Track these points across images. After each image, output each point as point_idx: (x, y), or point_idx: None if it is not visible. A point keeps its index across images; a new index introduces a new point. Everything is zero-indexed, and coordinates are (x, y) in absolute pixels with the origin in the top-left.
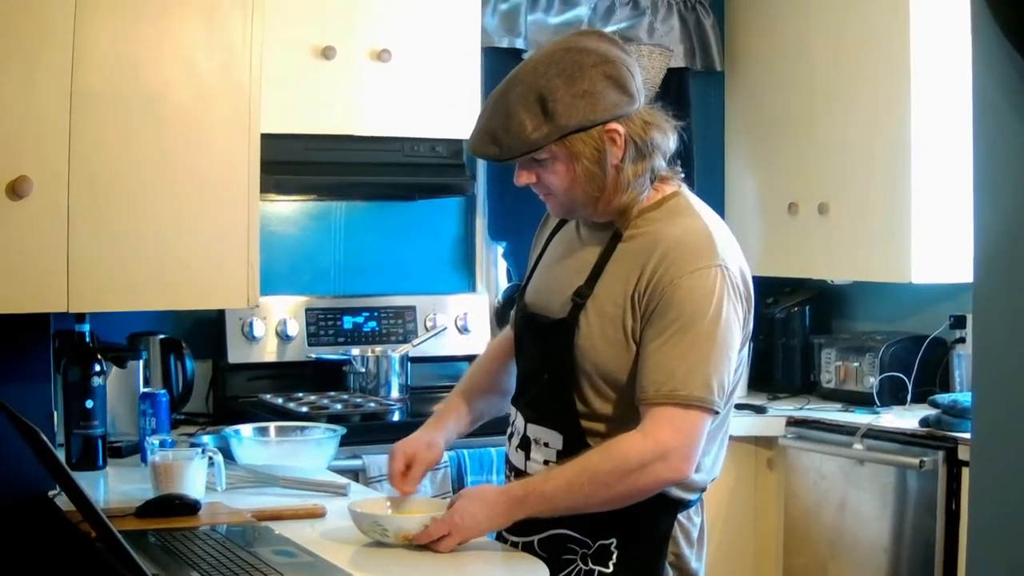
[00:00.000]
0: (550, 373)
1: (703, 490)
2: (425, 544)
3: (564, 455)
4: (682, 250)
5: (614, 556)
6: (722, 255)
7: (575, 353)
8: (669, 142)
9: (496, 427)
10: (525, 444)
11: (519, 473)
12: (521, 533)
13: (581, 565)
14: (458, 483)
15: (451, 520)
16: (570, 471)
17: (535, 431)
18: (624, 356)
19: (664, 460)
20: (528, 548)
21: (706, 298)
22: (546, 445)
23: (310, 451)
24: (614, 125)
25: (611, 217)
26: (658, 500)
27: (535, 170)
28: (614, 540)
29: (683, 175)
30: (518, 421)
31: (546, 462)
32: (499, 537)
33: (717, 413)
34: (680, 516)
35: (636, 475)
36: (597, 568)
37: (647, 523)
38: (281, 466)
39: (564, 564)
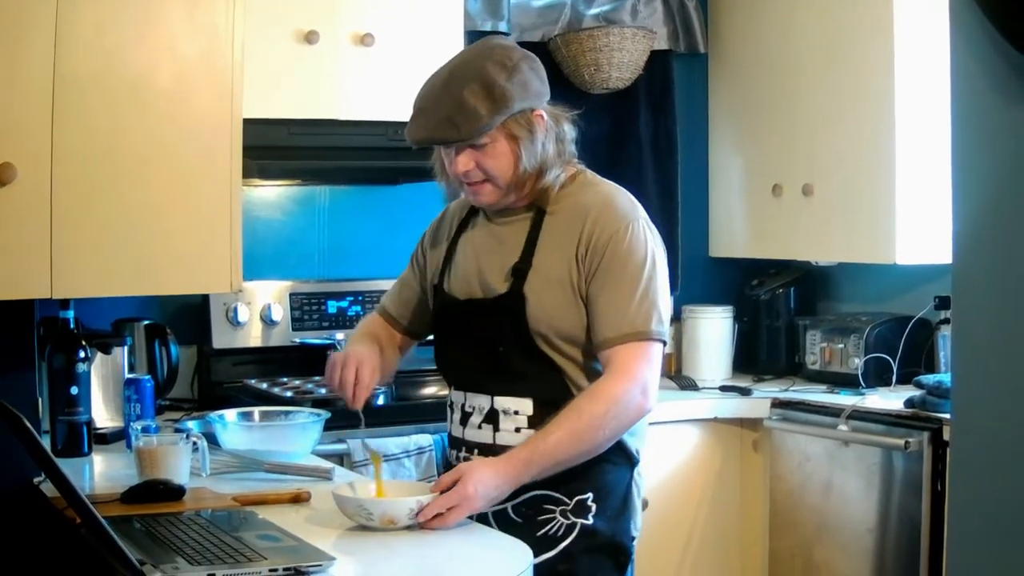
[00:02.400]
0: (505, 345)
1: (644, 444)
2: (412, 525)
3: (535, 419)
4: (610, 211)
5: (592, 509)
6: (640, 211)
7: (527, 320)
8: (572, 131)
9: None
10: (492, 417)
11: (485, 449)
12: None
13: (562, 520)
14: (443, 466)
15: (464, 491)
16: (567, 422)
17: (503, 402)
18: (576, 313)
19: (644, 393)
20: (501, 515)
21: (640, 247)
22: (516, 413)
23: (295, 436)
24: (539, 111)
25: (532, 198)
26: (620, 455)
27: (475, 156)
28: (591, 495)
29: (579, 159)
30: (474, 399)
31: (517, 429)
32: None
33: (665, 343)
34: (634, 471)
35: (626, 412)
36: (579, 521)
37: (615, 477)
38: (266, 451)
39: (544, 523)
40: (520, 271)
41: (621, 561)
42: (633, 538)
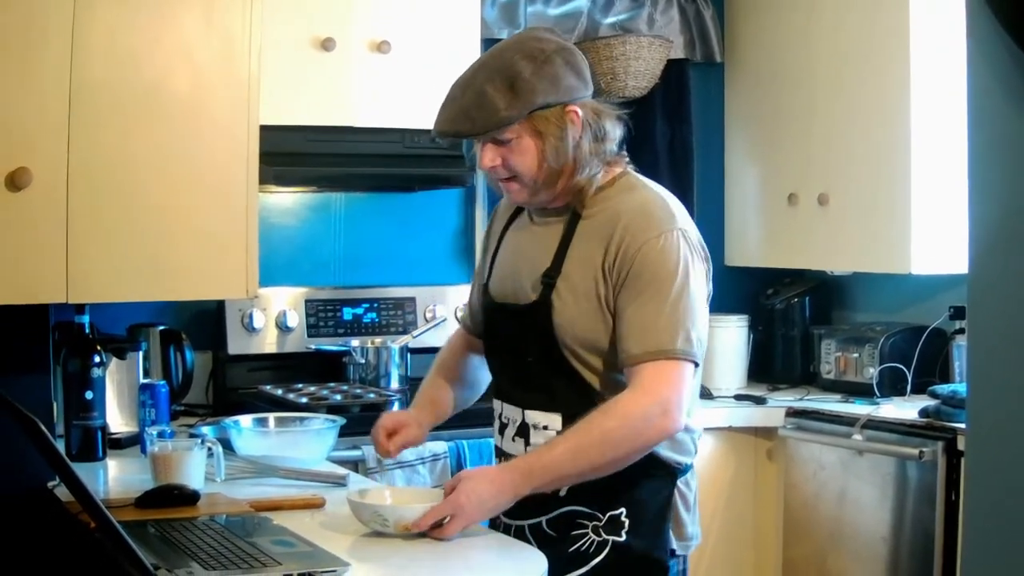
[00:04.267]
0: (534, 356)
1: (694, 453)
2: (425, 532)
3: None
4: (644, 219)
5: (625, 525)
6: (679, 220)
7: (554, 331)
8: (617, 129)
9: (492, 418)
10: (523, 431)
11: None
12: (525, 516)
13: (594, 536)
14: (457, 472)
15: (456, 501)
16: (575, 436)
17: (533, 416)
18: (602, 325)
19: (665, 413)
20: (536, 529)
21: (672, 259)
22: (545, 428)
23: (309, 442)
24: (573, 107)
25: (568, 199)
26: (659, 468)
27: (500, 151)
28: (623, 510)
29: (628, 159)
30: (509, 411)
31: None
32: (493, 524)
33: (698, 364)
34: (679, 482)
35: (641, 431)
36: (611, 538)
37: (651, 491)
38: (280, 457)
39: (576, 539)
40: (550, 278)
41: None
42: (673, 551)
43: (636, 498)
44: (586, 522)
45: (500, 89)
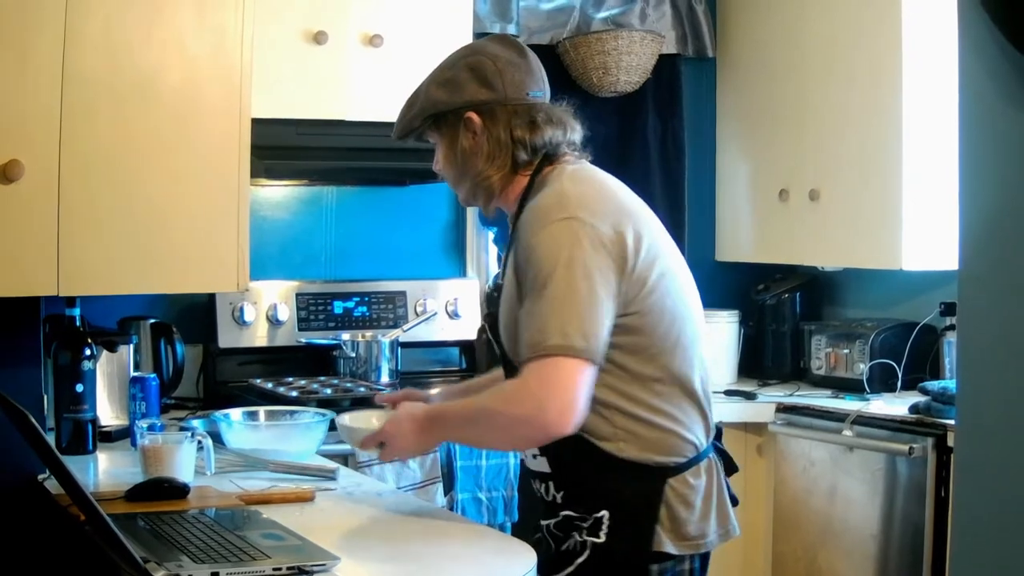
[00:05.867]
0: (504, 367)
1: (693, 457)
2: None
3: (544, 449)
4: (535, 213)
5: (605, 526)
6: (576, 210)
7: (502, 342)
8: (543, 134)
9: None
10: None
11: (527, 471)
12: (545, 516)
13: (578, 538)
14: (447, 466)
15: (385, 431)
16: (473, 406)
17: None
18: None
19: (541, 411)
20: (549, 530)
21: (552, 251)
22: None
23: (300, 435)
24: (470, 114)
25: (486, 202)
26: (640, 471)
27: (436, 155)
28: (605, 513)
29: (574, 159)
30: None
31: (535, 456)
32: (535, 528)
33: (590, 361)
34: (671, 481)
35: (518, 424)
36: (591, 539)
37: (634, 493)
38: (271, 450)
39: (566, 539)
40: (495, 290)
41: None
42: (667, 554)
43: (618, 500)
44: (578, 524)
45: (412, 96)
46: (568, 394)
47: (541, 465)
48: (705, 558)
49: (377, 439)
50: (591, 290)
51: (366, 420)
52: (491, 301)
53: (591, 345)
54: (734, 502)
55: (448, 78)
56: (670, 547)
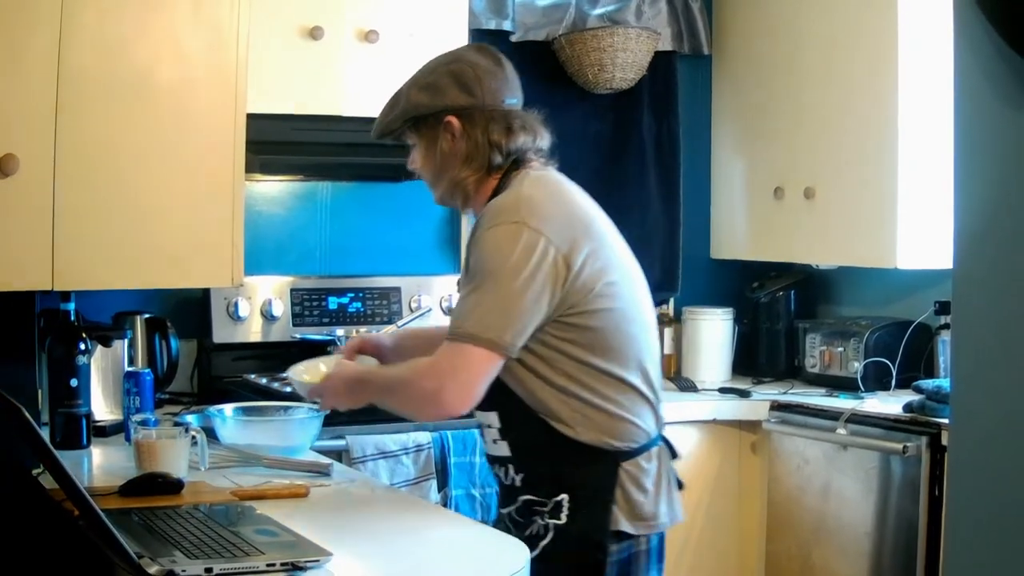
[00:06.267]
0: None
1: (645, 443)
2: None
3: (505, 431)
4: (490, 211)
5: (566, 508)
6: (526, 216)
7: None
8: (516, 139)
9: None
10: (480, 430)
11: (487, 456)
12: (504, 504)
13: (540, 522)
14: (440, 463)
15: (321, 387)
16: (393, 374)
17: (480, 416)
18: None
19: (442, 388)
20: (509, 517)
21: (497, 250)
22: (488, 427)
23: (294, 431)
24: (450, 117)
25: (463, 202)
26: (596, 455)
27: (412, 156)
28: (564, 496)
29: (540, 163)
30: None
31: (495, 440)
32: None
33: (503, 355)
34: (625, 464)
35: (417, 400)
36: (553, 522)
37: (590, 476)
38: (265, 446)
39: (528, 524)
40: (458, 284)
41: (598, 558)
42: (625, 533)
43: (576, 483)
44: (539, 508)
45: (393, 100)
46: (468, 378)
47: (501, 449)
48: (660, 542)
49: (317, 392)
50: (519, 292)
51: (315, 369)
52: (457, 285)
53: (504, 340)
54: (680, 486)
55: (430, 83)
56: (627, 526)
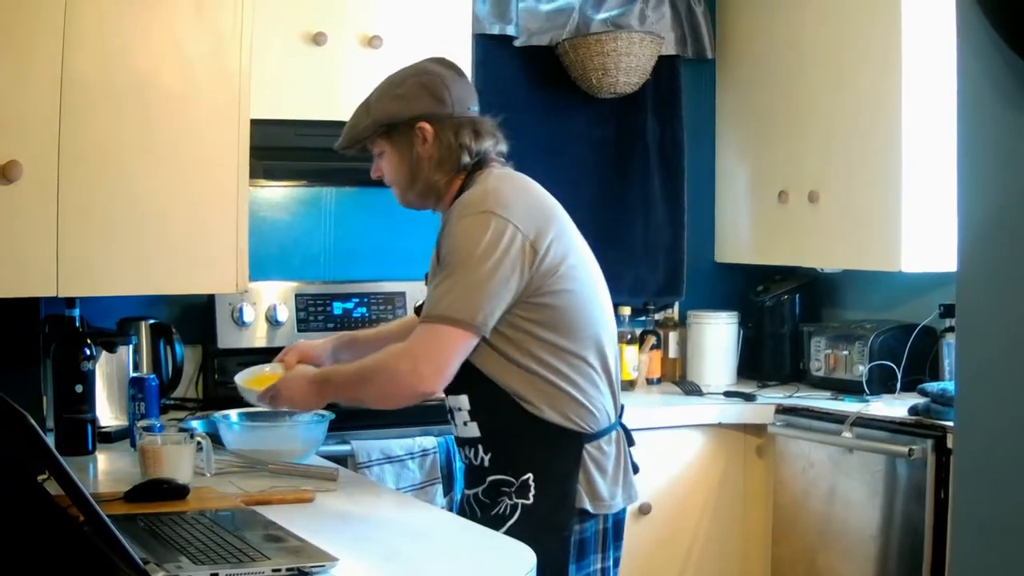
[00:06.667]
0: None
1: (606, 427)
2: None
3: (474, 413)
4: (460, 204)
5: (532, 488)
6: (493, 206)
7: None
8: (482, 140)
9: None
10: (449, 412)
11: (456, 439)
12: (470, 486)
13: (508, 501)
14: (446, 467)
15: (276, 389)
16: (359, 364)
17: (450, 400)
18: None
19: (413, 367)
20: (475, 498)
21: (467, 239)
22: (459, 410)
23: (299, 436)
24: (423, 123)
25: (435, 203)
26: (561, 436)
27: (378, 163)
28: (530, 475)
29: (501, 162)
30: (449, 399)
31: (465, 423)
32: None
33: (475, 334)
34: (588, 447)
35: (391, 379)
36: (520, 502)
37: (555, 457)
38: (270, 451)
39: (496, 504)
40: (427, 277)
41: (562, 535)
42: (586, 511)
43: (541, 463)
44: (506, 488)
45: (362, 110)
46: (442, 356)
47: (471, 431)
48: (617, 523)
49: (270, 393)
50: (489, 276)
51: (261, 373)
52: (424, 278)
53: (476, 319)
54: (635, 470)
55: (400, 94)
56: (588, 506)
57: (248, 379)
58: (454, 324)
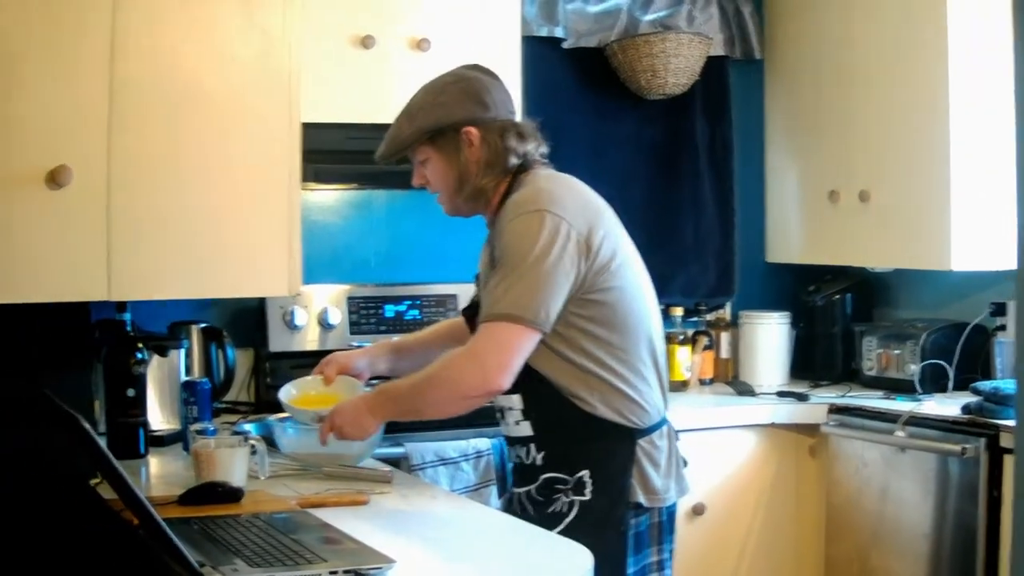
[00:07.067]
0: None
1: (657, 422)
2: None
3: (527, 412)
4: (513, 204)
5: (589, 484)
6: (547, 204)
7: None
8: (526, 142)
9: None
10: (502, 412)
11: (506, 438)
12: (521, 484)
13: (564, 498)
14: (500, 469)
15: (331, 419)
16: (417, 375)
17: (501, 400)
18: None
19: (482, 368)
20: (528, 495)
21: (523, 237)
22: (511, 409)
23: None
24: (469, 128)
25: (484, 207)
26: (614, 432)
27: (422, 171)
28: (586, 472)
29: (545, 163)
30: (499, 399)
31: (517, 422)
32: (505, 493)
33: (538, 330)
34: (641, 442)
35: (456, 381)
36: (577, 498)
37: (610, 453)
38: (328, 455)
39: (553, 502)
40: (478, 279)
41: (620, 530)
42: (640, 505)
43: (596, 459)
44: (561, 486)
45: (403, 119)
46: (507, 354)
47: (523, 430)
48: (670, 515)
49: (328, 428)
50: (548, 273)
51: (303, 394)
52: (476, 282)
53: (538, 317)
54: (684, 463)
55: (443, 101)
56: (643, 500)
57: (293, 399)
58: (516, 322)
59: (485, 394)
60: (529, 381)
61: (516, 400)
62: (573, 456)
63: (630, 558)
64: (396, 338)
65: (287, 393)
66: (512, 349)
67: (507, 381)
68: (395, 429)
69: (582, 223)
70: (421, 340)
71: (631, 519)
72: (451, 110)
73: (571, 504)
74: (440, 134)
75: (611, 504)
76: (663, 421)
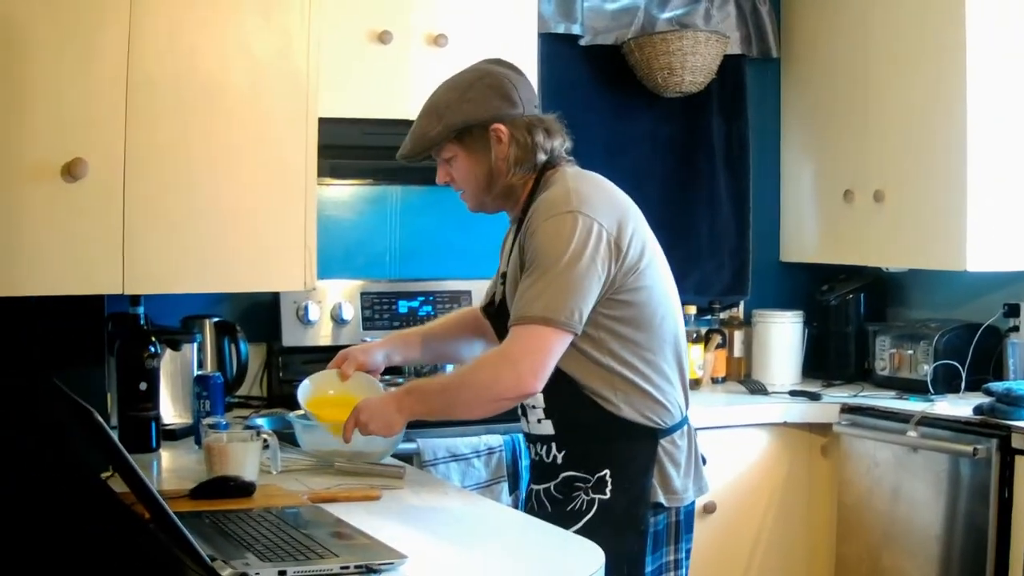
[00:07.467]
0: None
1: (679, 420)
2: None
3: (549, 411)
4: (542, 205)
5: (609, 484)
6: (578, 205)
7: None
8: (553, 139)
9: None
10: (523, 410)
11: (526, 435)
12: (540, 481)
13: (584, 497)
14: (512, 465)
15: (356, 415)
16: (448, 376)
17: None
18: None
19: (516, 370)
20: (547, 492)
21: (555, 239)
22: (532, 407)
23: (375, 436)
24: (498, 124)
25: (512, 205)
26: (636, 432)
27: (447, 169)
28: (607, 471)
29: (570, 160)
30: None
31: (539, 420)
32: (528, 491)
33: (571, 332)
34: (662, 441)
35: (489, 385)
36: (597, 496)
37: (631, 453)
38: (349, 451)
39: (571, 500)
40: (503, 277)
41: (639, 529)
42: (660, 504)
43: (618, 459)
44: (581, 484)
45: (430, 117)
46: (540, 356)
47: (545, 428)
48: (688, 514)
49: (352, 426)
50: (581, 276)
51: (320, 394)
52: (501, 278)
53: (572, 319)
54: (703, 461)
55: (470, 97)
56: (662, 499)
57: (311, 398)
58: (549, 324)
59: (518, 397)
60: (553, 381)
61: (538, 398)
62: (594, 455)
63: (648, 557)
64: (409, 329)
65: (304, 390)
66: (546, 352)
67: (540, 384)
68: (408, 425)
69: (612, 223)
70: (435, 332)
71: (650, 518)
72: (479, 107)
73: (591, 503)
74: (468, 132)
75: (631, 504)
76: (684, 420)
